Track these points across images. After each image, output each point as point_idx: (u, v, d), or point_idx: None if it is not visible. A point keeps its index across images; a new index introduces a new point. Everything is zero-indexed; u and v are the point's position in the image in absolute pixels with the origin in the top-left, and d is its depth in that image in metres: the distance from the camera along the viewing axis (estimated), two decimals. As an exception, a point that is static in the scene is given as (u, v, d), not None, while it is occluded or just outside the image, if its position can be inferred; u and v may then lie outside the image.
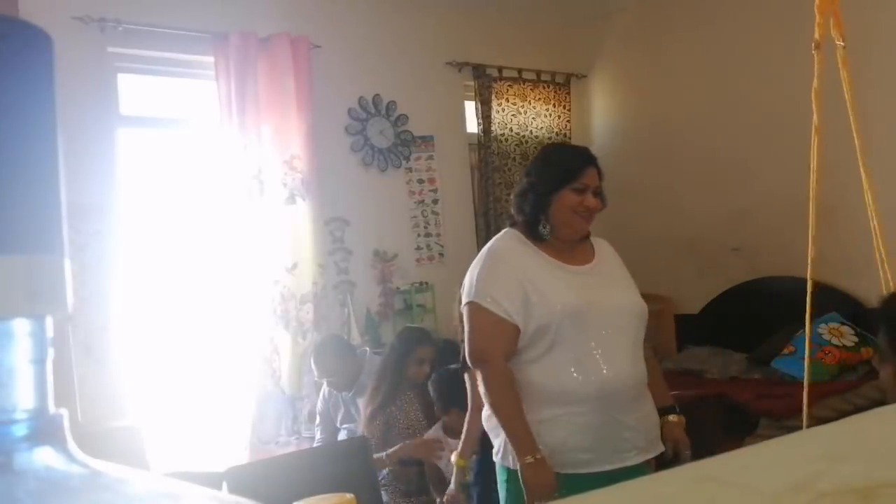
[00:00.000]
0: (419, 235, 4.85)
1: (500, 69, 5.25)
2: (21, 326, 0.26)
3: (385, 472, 3.16)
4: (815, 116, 2.06)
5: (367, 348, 3.90)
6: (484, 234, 5.11)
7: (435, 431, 3.12)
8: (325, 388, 3.64)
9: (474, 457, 2.80)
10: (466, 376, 2.74)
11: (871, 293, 2.01)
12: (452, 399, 2.93)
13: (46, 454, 0.26)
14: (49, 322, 0.27)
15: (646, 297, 2.20)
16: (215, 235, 4.08)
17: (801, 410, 3.83)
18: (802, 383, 4.07)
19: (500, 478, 2.07)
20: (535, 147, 5.23)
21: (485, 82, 5.17)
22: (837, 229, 4.17)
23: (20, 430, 0.25)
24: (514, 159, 5.25)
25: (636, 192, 5.23)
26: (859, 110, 2.16)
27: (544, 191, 2.06)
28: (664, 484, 0.39)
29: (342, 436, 3.52)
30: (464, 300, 2.07)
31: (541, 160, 2.17)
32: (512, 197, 2.18)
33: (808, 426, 2.10)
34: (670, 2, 5.26)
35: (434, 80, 4.98)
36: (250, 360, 4.02)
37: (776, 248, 4.82)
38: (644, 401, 2.06)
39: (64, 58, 2.45)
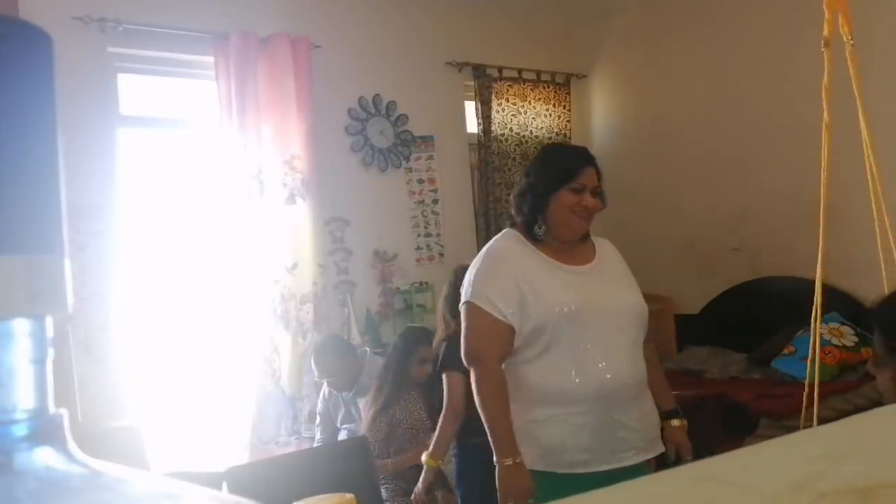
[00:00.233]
0: (419, 235, 4.85)
1: (500, 69, 5.25)
2: (21, 326, 0.26)
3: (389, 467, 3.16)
4: (825, 113, 2.05)
5: (367, 348, 3.90)
6: (484, 234, 5.11)
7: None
8: (325, 389, 3.64)
9: (453, 459, 2.80)
10: (444, 377, 2.74)
11: (872, 293, 2.01)
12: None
13: (46, 454, 0.26)
14: (49, 322, 0.27)
15: (646, 297, 2.20)
16: (215, 235, 4.08)
17: (800, 410, 3.83)
18: (802, 383, 4.07)
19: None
20: (535, 147, 5.23)
21: (485, 82, 5.17)
22: (838, 229, 4.17)
23: (20, 430, 0.25)
24: (514, 159, 5.25)
25: (636, 192, 5.23)
26: (852, 108, 2.15)
27: (542, 191, 2.06)
28: (664, 484, 0.39)
29: (342, 436, 3.52)
30: (462, 300, 2.07)
31: (539, 160, 2.18)
32: (512, 197, 2.19)
33: (807, 426, 2.10)
34: (670, 2, 5.26)
35: (434, 80, 4.98)
36: (250, 360, 4.02)
37: (776, 248, 4.82)
38: (643, 400, 2.06)
39: (64, 58, 2.45)
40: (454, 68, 5.08)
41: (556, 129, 5.53)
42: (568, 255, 2.10)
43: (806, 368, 4.13)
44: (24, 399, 0.26)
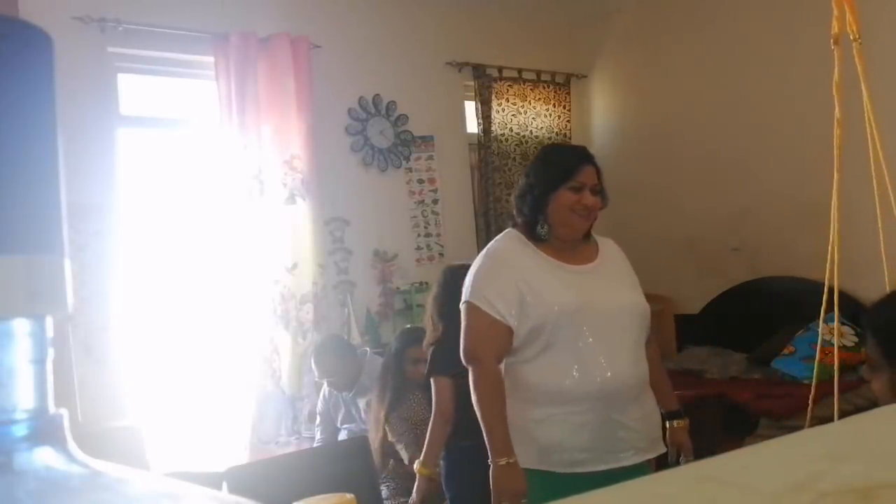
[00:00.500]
0: (419, 235, 4.85)
1: (500, 69, 5.25)
2: (21, 326, 0.26)
3: (389, 467, 3.16)
4: (836, 109, 2.05)
5: (367, 348, 3.90)
6: (484, 234, 5.11)
7: None
8: (325, 389, 3.64)
9: (442, 462, 2.78)
10: (432, 382, 2.72)
11: (873, 293, 2.01)
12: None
13: (46, 454, 0.26)
14: (49, 322, 0.27)
15: (646, 296, 2.20)
16: (215, 235, 4.08)
17: (800, 410, 3.83)
18: (802, 383, 4.07)
19: None
20: (535, 147, 5.23)
21: (485, 82, 5.17)
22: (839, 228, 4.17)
23: (20, 430, 0.25)
24: (514, 159, 5.25)
25: (636, 192, 5.23)
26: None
27: (542, 191, 2.06)
28: (664, 484, 0.39)
29: (343, 436, 3.52)
30: (462, 299, 2.08)
31: (538, 161, 2.18)
32: (512, 198, 2.19)
33: (811, 425, 2.09)
34: (670, 2, 5.26)
35: (434, 80, 4.98)
36: (250, 360, 4.02)
37: (776, 248, 4.82)
38: (645, 400, 2.06)
39: (64, 58, 2.45)
40: (454, 68, 5.08)
41: (556, 130, 5.53)
42: (570, 254, 2.10)
43: (806, 368, 4.15)
44: (24, 399, 0.26)
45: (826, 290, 2.16)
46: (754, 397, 3.93)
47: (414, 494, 2.83)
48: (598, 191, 2.09)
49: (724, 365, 4.57)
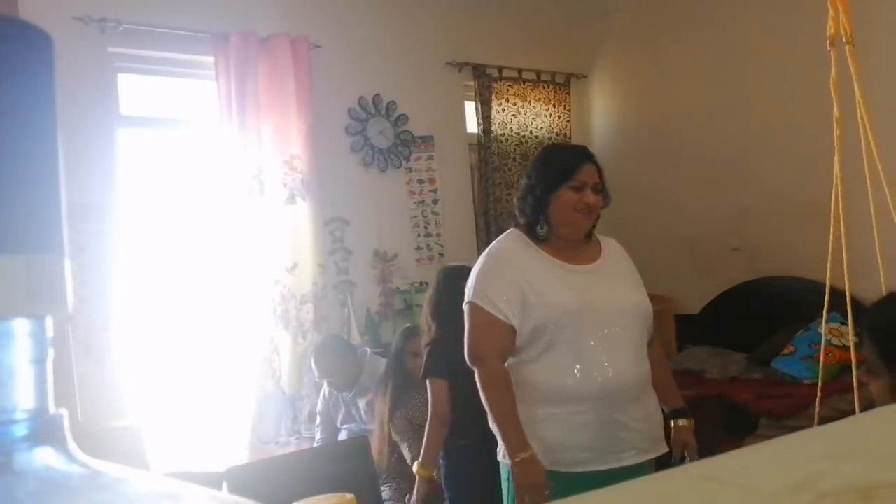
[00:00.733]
0: (419, 235, 4.85)
1: (500, 69, 5.25)
2: (21, 326, 0.26)
3: (391, 465, 3.16)
4: (835, 108, 2.05)
5: (367, 348, 3.90)
6: (484, 234, 5.11)
7: None
8: (325, 389, 3.64)
9: (441, 462, 2.78)
10: (428, 384, 2.73)
11: (873, 293, 2.00)
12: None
13: (46, 454, 0.26)
14: (49, 322, 0.27)
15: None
16: (215, 236, 4.08)
17: (800, 410, 3.84)
18: (802, 383, 4.08)
19: (503, 476, 2.08)
20: (535, 147, 5.23)
21: (485, 82, 5.17)
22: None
23: (20, 430, 0.25)
24: (514, 159, 5.25)
25: (636, 192, 5.22)
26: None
27: (543, 191, 2.06)
28: (664, 484, 0.39)
29: (343, 436, 3.52)
30: (465, 300, 2.08)
31: (539, 161, 2.18)
32: (514, 200, 2.19)
33: (818, 423, 2.09)
34: (670, 2, 5.26)
35: (434, 80, 4.98)
36: (250, 360, 4.02)
37: (776, 248, 4.82)
38: (646, 400, 2.06)
39: (64, 58, 2.45)
40: (454, 68, 5.08)
41: (556, 130, 5.53)
42: (572, 254, 2.10)
43: (806, 368, 4.15)
44: (24, 399, 0.26)
45: (827, 290, 2.15)
46: (754, 397, 3.93)
47: (414, 495, 2.83)
48: (600, 189, 2.09)
49: (724, 365, 4.57)
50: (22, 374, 0.26)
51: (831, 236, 2.05)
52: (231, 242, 4.02)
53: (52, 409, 0.27)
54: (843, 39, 2.01)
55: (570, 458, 1.96)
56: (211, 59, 4.01)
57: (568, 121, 5.60)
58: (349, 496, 1.20)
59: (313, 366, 3.57)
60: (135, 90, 4.04)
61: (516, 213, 2.16)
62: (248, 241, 4.03)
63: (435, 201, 4.91)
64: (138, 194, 4.02)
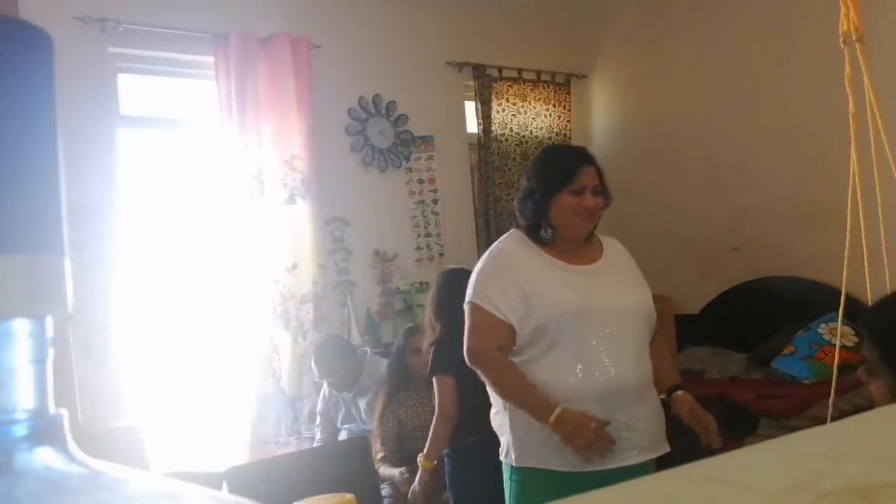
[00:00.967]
0: (419, 235, 4.85)
1: (500, 69, 5.24)
2: (21, 326, 0.26)
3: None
4: (850, 104, 2.04)
5: (367, 348, 3.90)
6: (484, 234, 5.11)
7: None
8: (325, 389, 3.64)
9: (445, 459, 2.80)
10: (434, 381, 2.75)
11: (873, 293, 2.00)
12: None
13: (46, 454, 0.26)
14: (49, 322, 0.27)
15: (647, 296, 2.20)
16: (215, 236, 4.08)
17: (800, 410, 3.84)
18: (802, 383, 4.08)
19: (505, 475, 2.09)
20: (535, 147, 5.23)
21: (485, 82, 5.17)
22: (837, 228, 4.17)
23: (20, 430, 0.25)
24: (514, 159, 5.25)
25: (636, 192, 5.22)
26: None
27: (543, 195, 2.07)
28: (664, 484, 0.39)
29: (343, 436, 3.52)
30: (465, 300, 2.08)
31: (538, 164, 2.18)
32: (515, 202, 2.19)
33: (834, 418, 2.08)
34: (670, 2, 5.26)
35: (434, 80, 4.97)
36: (250, 360, 4.02)
37: (776, 248, 4.82)
38: (648, 400, 2.06)
39: (64, 58, 2.45)
40: (454, 68, 5.08)
41: (556, 130, 5.53)
42: (573, 255, 2.10)
43: (806, 368, 4.15)
44: (24, 399, 0.26)
45: (844, 291, 2.15)
46: (754, 397, 3.93)
47: (416, 485, 2.85)
48: (600, 191, 2.09)
49: (724, 365, 4.57)
50: (22, 374, 0.26)
51: (848, 231, 2.04)
52: (231, 242, 4.02)
53: (52, 409, 0.27)
54: (854, 37, 2.01)
55: (572, 458, 1.96)
56: (211, 59, 4.01)
57: (568, 121, 5.60)
58: (349, 496, 1.20)
59: (313, 366, 3.57)
60: (135, 90, 4.03)
61: (517, 214, 2.17)
62: (248, 242, 4.03)
63: (435, 201, 4.91)
64: (138, 194, 4.01)
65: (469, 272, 2.17)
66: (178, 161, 4.22)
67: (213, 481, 2.44)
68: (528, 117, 5.37)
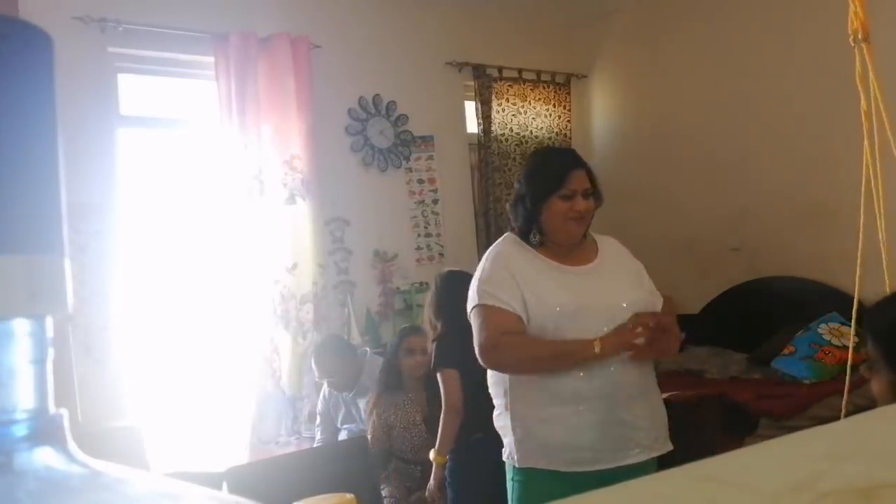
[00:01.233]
0: (419, 235, 4.85)
1: (500, 69, 5.25)
2: (21, 326, 0.26)
3: (389, 468, 3.17)
4: (862, 102, 2.04)
5: (367, 348, 3.90)
6: (484, 234, 5.11)
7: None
8: (325, 389, 3.64)
9: (448, 455, 2.81)
10: (439, 376, 2.76)
11: (873, 293, 2.00)
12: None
13: (46, 454, 0.26)
14: (49, 322, 0.27)
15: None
16: (215, 236, 4.08)
17: (800, 410, 3.83)
18: (802, 383, 4.08)
19: (508, 476, 2.09)
20: (535, 147, 5.22)
21: (485, 82, 5.17)
22: (837, 229, 4.17)
23: (20, 430, 0.25)
24: (514, 159, 5.25)
25: (636, 193, 5.23)
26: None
27: (533, 201, 2.07)
28: (664, 484, 0.39)
29: (342, 436, 3.52)
30: (469, 306, 2.08)
31: (527, 169, 2.18)
32: (507, 206, 2.20)
33: (847, 413, 2.08)
34: (670, 2, 5.26)
35: (434, 80, 4.97)
36: (250, 360, 4.02)
37: (776, 248, 4.82)
38: (650, 398, 2.06)
39: (64, 58, 2.45)
40: (454, 68, 5.08)
41: (556, 129, 5.53)
42: (568, 255, 2.11)
43: (806, 368, 4.15)
44: (24, 399, 0.26)
45: (858, 286, 2.14)
46: (754, 397, 3.93)
47: (432, 481, 2.85)
48: (591, 193, 2.09)
49: (724, 365, 4.57)
50: (22, 374, 0.26)
51: (861, 227, 2.03)
52: (231, 242, 4.02)
53: (52, 409, 0.27)
54: (860, 37, 2.01)
55: (574, 458, 1.97)
56: (211, 59, 4.01)
57: (568, 121, 5.60)
58: (349, 496, 1.20)
59: (313, 366, 3.57)
60: (135, 90, 4.03)
61: (510, 217, 2.17)
62: (248, 242, 4.03)
63: (435, 201, 4.91)
64: (138, 194, 4.01)
65: (466, 274, 2.18)
66: (178, 161, 4.22)
67: (213, 481, 2.44)
68: (528, 117, 5.37)
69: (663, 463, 2.09)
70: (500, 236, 2.24)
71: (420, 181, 4.87)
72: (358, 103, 4.64)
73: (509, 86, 5.29)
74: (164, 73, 4.14)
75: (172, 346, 4.06)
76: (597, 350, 1.90)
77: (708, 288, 5.11)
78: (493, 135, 5.19)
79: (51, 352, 0.27)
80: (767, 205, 4.83)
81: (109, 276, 3.65)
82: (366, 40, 4.66)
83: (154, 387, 3.94)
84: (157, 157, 4.18)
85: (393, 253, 4.69)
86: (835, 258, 4.20)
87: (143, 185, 4.07)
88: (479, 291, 2.04)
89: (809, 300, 4.51)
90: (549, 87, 5.51)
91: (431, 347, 2.85)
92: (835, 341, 4.20)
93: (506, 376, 2.06)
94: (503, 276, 2.04)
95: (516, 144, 5.29)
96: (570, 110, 5.62)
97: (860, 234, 2.08)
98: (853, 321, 2.17)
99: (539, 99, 5.44)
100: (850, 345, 2.34)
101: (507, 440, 2.06)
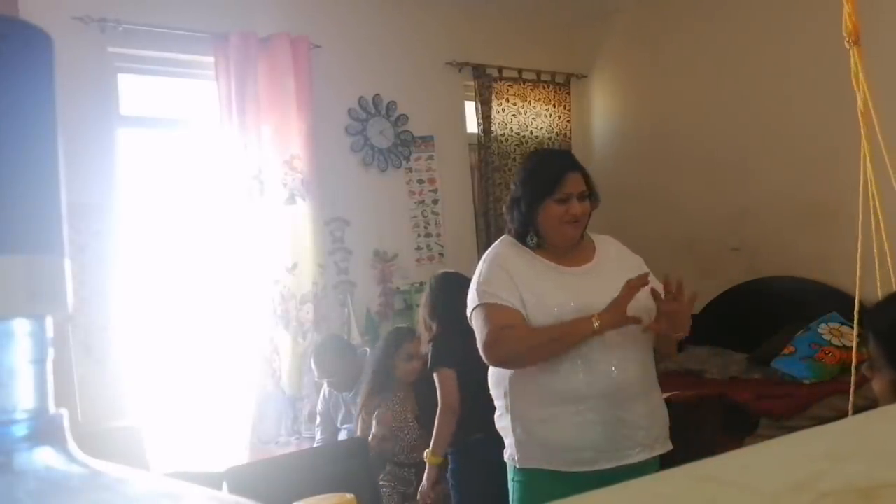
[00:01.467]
0: (419, 235, 4.85)
1: (500, 69, 5.24)
2: (21, 326, 0.26)
3: (384, 472, 3.16)
4: (859, 101, 2.04)
5: (367, 348, 3.90)
6: (484, 234, 5.11)
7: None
8: (325, 389, 3.65)
9: (449, 457, 2.81)
10: (436, 376, 2.76)
11: (873, 293, 2.00)
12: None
13: (46, 454, 0.26)
14: (49, 322, 0.27)
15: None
16: (215, 236, 4.08)
17: (800, 410, 3.83)
18: (802, 383, 4.08)
19: (509, 476, 2.10)
20: (535, 147, 5.23)
21: (485, 82, 5.17)
22: (837, 229, 4.17)
23: (20, 430, 0.25)
24: (514, 159, 5.24)
25: (636, 193, 5.23)
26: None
27: (528, 205, 2.07)
28: (664, 484, 0.39)
29: (342, 436, 3.52)
30: (469, 309, 2.08)
31: (523, 172, 2.17)
32: (504, 208, 2.20)
33: (852, 412, 2.08)
34: (670, 2, 5.26)
35: (434, 80, 4.97)
36: (250, 360, 4.02)
37: (776, 248, 4.82)
38: (650, 398, 2.07)
39: (64, 58, 2.45)
40: (454, 68, 5.08)
41: (556, 129, 5.53)
42: (566, 256, 2.11)
43: (806, 368, 4.15)
44: (24, 399, 0.26)
45: (858, 285, 2.14)
46: (754, 397, 3.93)
47: (424, 482, 2.85)
48: (587, 196, 2.08)
49: (724, 365, 4.57)
50: (22, 374, 0.26)
51: (860, 228, 2.03)
52: (231, 242, 4.02)
53: (52, 409, 0.27)
54: (852, 39, 2.01)
55: (575, 458, 1.97)
56: (211, 59, 4.01)
57: (568, 121, 5.60)
58: (349, 496, 1.20)
59: (313, 366, 3.57)
60: (135, 90, 4.03)
61: (507, 220, 2.17)
62: (248, 242, 4.03)
63: (435, 201, 4.91)
64: (138, 194, 4.01)
65: (461, 276, 2.18)
66: (178, 161, 4.22)
67: (213, 481, 2.44)
68: (528, 117, 5.37)
69: (664, 463, 2.10)
70: (500, 236, 2.24)
71: (420, 181, 4.87)
72: (358, 103, 4.64)
73: (509, 86, 5.29)
74: (164, 73, 4.14)
75: (172, 346, 4.06)
76: (595, 326, 1.90)
77: (708, 288, 5.10)
78: (493, 135, 5.19)
79: (51, 352, 0.27)
80: (767, 205, 4.83)
81: (109, 276, 3.65)
82: (366, 40, 4.66)
83: (154, 387, 3.94)
84: (157, 157, 4.18)
85: (393, 253, 4.69)
86: (835, 258, 4.20)
87: (143, 185, 4.07)
88: (479, 292, 2.04)
89: (809, 300, 4.51)
90: (549, 87, 5.51)
91: (427, 349, 2.85)
92: (835, 341, 4.20)
93: (506, 377, 2.05)
94: (501, 277, 2.04)
95: (516, 144, 5.29)
96: (570, 110, 5.62)
97: (859, 234, 2.08)
98: (855, 322, 2.17)
99: (539, 99, 5.44)
100: (853, 344, 2.33)
101: (509, 441, 2.07)
